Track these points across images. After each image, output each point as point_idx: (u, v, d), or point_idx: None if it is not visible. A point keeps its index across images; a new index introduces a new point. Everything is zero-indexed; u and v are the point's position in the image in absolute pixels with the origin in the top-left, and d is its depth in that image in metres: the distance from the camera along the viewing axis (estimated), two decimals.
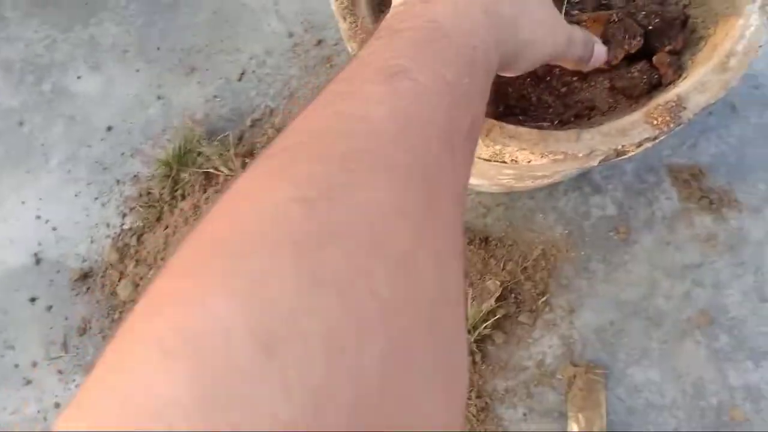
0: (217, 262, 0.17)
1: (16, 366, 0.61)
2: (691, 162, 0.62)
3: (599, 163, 0.38)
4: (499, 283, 0.58)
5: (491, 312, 0.57)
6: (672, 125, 0.36)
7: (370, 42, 0.28)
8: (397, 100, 0.23)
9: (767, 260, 0.59)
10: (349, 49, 0.40)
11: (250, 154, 0.64)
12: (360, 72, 0.25)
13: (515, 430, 0.56)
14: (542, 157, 0.37)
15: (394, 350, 0.17)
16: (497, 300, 0.57)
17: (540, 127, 0.40)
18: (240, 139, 0.66)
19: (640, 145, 0.37)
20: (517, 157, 0.37)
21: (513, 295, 0.59)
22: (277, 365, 0.14)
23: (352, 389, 0.15)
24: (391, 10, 0.31)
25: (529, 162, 0.37)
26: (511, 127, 0.37)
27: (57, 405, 0.60)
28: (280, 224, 0.17)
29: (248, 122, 0.67)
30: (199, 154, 0.63)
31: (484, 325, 0.56)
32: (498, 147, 0.37)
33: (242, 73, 0.69)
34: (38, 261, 0.64)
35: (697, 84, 0.37)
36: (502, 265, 0.59)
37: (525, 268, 0.59)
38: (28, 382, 0.60)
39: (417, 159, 0.22)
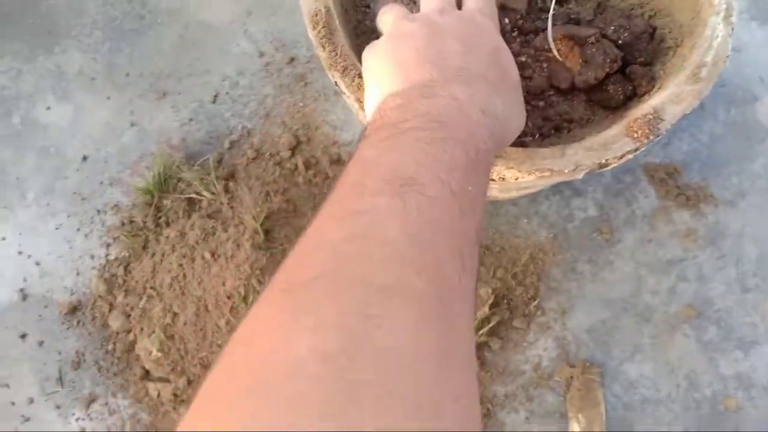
0: (239, 417, 0.17)
1: (13, 404, 0.61)
2: (666, 161, 0.64)
3: (583, 175, 0.40)
4: (491, 291, 0.60)
5: (486, 319, 0.59)
6: (651, 137, 0.38)
7: (373, 139, 0.29)
8: (408, 217, 0.24)
9: (746, 251, 0.62)
10: (330, 77, 0.41)
11: (231, 176, 0.65)
12: (369, 181, 0.26)
13: None
14: (529, 174, 0.38)
15: None
16: (490, 307, 0.59)
17: (523, 143, 0.42)
18: (219, 161, 0.66)
19: (622, 157, 0.39)
20: (504, 175, 0.39)
21: (505, 301, 0.60)
22: None
23: None
24: (389, 101, 0.32)
25: (516, 179, 0.39)
26: None
27: None
28: (302, 382, 0.18)
29: (226, 144, 0.67)
30: (180, 180, 0.63)
31: (480, 332, 0.58)
32: None
33: (216, 95, 0.70)
34: (25, 297, 0.64)
35: (672, 96, 0.39)
36: (492, 272, 0.61)
37: (515, 273, 0.61)
38: (27, 420, 0.60)
39: (432, 283, 0.23)
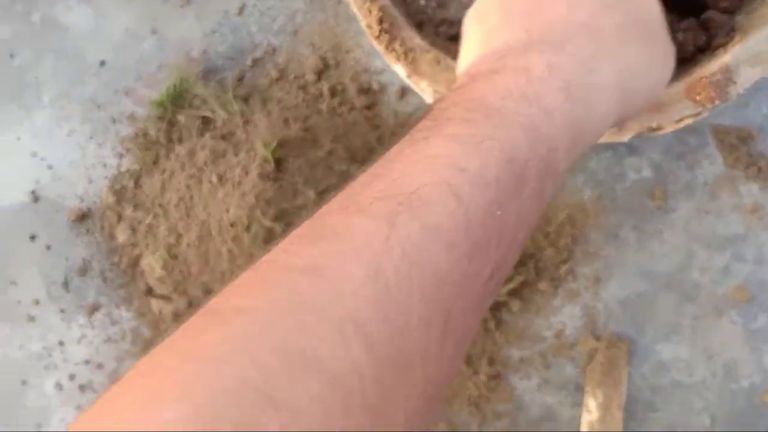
0: None
1: (19, 302, 0.63)
2: (740, 123, 0.57)
3: (629, 139, 0.35)
4: None
5: (508, 278, 0.55)
6: (717, 101, 0.33)
7: (415, 132, 0.22)
8: (386, 253, 0.18)
9: None
10: None
11: (251, 96, 0.62)
12: (367, 188, 0.20)
13: (528, 400, 0.56)
14: None
15: None
16: (515, 266, 0.56)
17: None
18: (240, 79, 0.63)
19: (679, 121, 0.34)
20: None
21: (533, 261, 0.57)
22: None
23: None
24: (463, 74, 0.25)
25: None
26: None
27: (61, 343, 0.62)
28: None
29: (249, 61, 0.64)
30: (196, 95, 0.61)
31: (500, 292, 0.55)
32: None
33: (242, 6, 0.66)
34: (36, 199, 0.64)
35: (750, 54, 0.33)
36: None
37: (548, 233, 0.57)
38: (32, 319, 0.62)
39: (378, 359, 0.17)
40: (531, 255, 0.57)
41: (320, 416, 0.16)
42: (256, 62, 0.64)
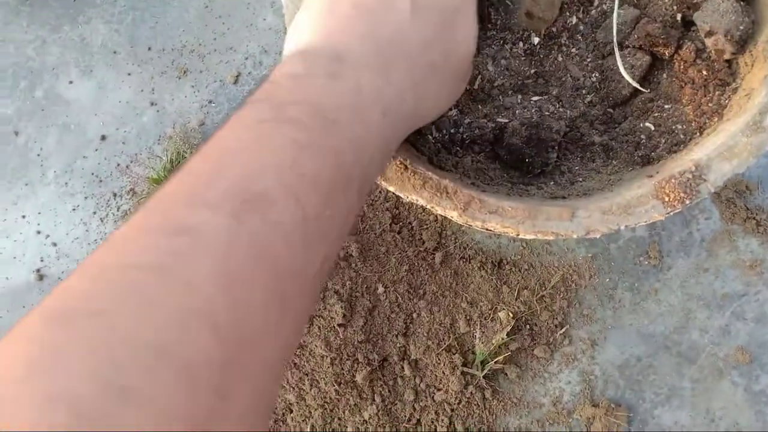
0: None
1: None
2: (737, 177, 0.55)
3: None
4: (511, 315, 0.55)
5: (503, 346, 0.54)
6: (688, 201, 0.31)
7: (249, 117, 0.24)
8: (234, 248, 0.20)
9: None
10: None
11: None
12: (212, 187, 0.21)
13: None
14: (530, 234, 0.33)
15: None
16: (509, 333, 0.54)
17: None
18: None
19: (648, 220, 0.33)
20: (503, 231, 0.34)
21: (528, 327, 0.55)
22: None
23: None
24: (294, 61, 0.27)
25: (517, 235, 0.34)
26: (491, 201, 0.33)
27: None
28: None
29: None
30: None
31: (495, 360, 0.54)
32: (479, 222, 0.33)
33: (238, 75, 0.66)
34: (41, 277, 0.65)
35: (722, 147, 0.32)
36: (516, 293, 0.55)
37: (542, 296, 0.55)
38: None
39: (225, 343, 0.19)
40: (526, 320, 0.55)
41: (173, 401, 0.17)
42: None
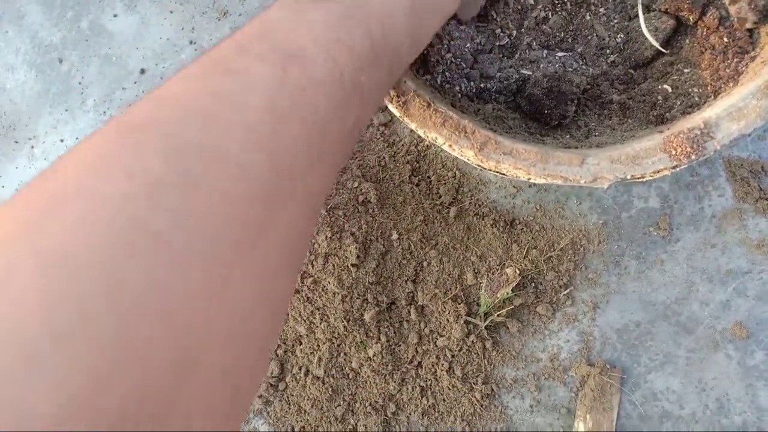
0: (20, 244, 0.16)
1: None
2: (754, 156, 0.56)
3: (608, 188, 0.35)
4: (518, 272, 0.57)
5: (507, 300, 0.56)
6: (693, 157, 0.33)
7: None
8: (280, 91, 0.22)
9: None
10: None
11: None
12: (259, 42, 0.23)
13: (519, 420, 0.56)
14: (540, 178, 0.34)
15: None
16: (515, 289, 0.56)
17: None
18: None
19: (656, 173, 0.34)
20: (515, 174, 0.35)
21: (533, 285, 0.57)
22: None
23: None
24: None
25: (528, 179, 0.35)
26: (506, 143, 0.34)
27: None
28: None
29: None
30: None
31: (498, 313, 0.56)
32: (492, 163, 0.35)
33: None
34: None
35: (732, 108, 0.33)
36: (524, 252, 0.57)
37: (550, 257, 0.57)
38: None
39: (271, 160, 0.21)
40: (532, 278, 0.57)
41: (232, 199, 0.19)
42: None
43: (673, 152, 0.33)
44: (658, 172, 0.34)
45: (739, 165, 0.57)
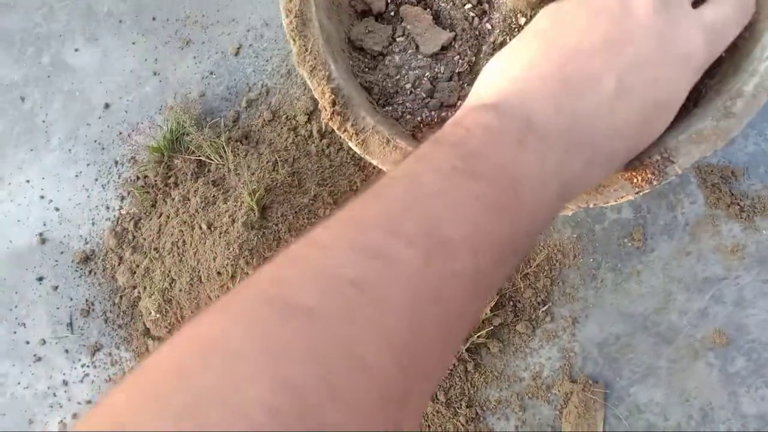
0: None
1: (27, 343, 0.65)
2: (723, 162, 0.56)
3: (572, 213, 0.35)
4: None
5: (487, 320, 0.56)
6: (655, 182, 0.32)
7: (442, 159, 0.25)
8: (421, 285, 0.22)
9: None
10: (302, 73, 0.38)
11: (245, 138, 0.63)
12: (409, 220, 0.23)
13: None
14: None
15: None
16: (493, 309, 0.56)
17: None
18: (235, 120, 0.65)
19: (620, 198, 0.34)
20: None
21: (511, 303, 0.57)
22: None
23: None
24: (489, 110, 0.27)
25: None
26: None
27: (65, 383, 0.64)
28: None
29: (244, 102, 0.65)
30: (191, 140, 0.62)
31: (478, 334, 0.55)
32: None
33: (239, 47, 0.67)
34: (43, 241, 0.67)
35: (691, 131, 0.33)
36: None
37: (526, 274, 0.57)
38: (39, 359, 0.65)
39: (404, 371, 0.20)
40: (509, 297, 0.57)
41: (367, 409, 0.19)
42: (250, 103, 0.65)
43: (635, 180, 0.32)
44: (621, 197, 0.33)
45: (709, 171, 0.57)
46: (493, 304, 0.55)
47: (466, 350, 0.56)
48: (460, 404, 0.56)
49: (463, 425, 0.55)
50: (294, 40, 0.36)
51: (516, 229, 0.25)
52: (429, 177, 0.25)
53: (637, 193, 0.33)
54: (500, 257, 0.24)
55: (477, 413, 0.56)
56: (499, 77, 0.30)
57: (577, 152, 0.28)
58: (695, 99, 0.37)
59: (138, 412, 0.17)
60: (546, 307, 0.57)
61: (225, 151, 0.61)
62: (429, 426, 0.55)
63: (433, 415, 0.55)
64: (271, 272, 0.22)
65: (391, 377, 0.20)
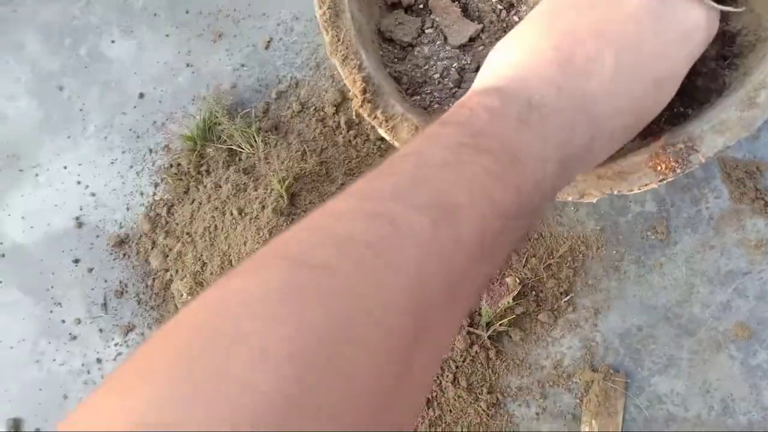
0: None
1: (63, 321, 0.68)
2: (749, 156, 0.57)
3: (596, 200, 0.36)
4: (518, 281, 0.57)
5: (509, 309, 0.57)
6: (679, 171, 0.33)
7: (449, 136, 0.26)
8: (430, 250, 0.23)
9: None
10: (334, 62, 0.39)
11: (275, 128, 0.65)
12: (415, 189, 0.24)
13: (526, 428, 0.57)
14: None
15: None
16: (516, 298, 0.57)
17: None
18: (265, 112, 0.66)
19: (643, 186, 0.34)
20: None
21: (534, 293, 0.58)
22: None
23: None
24: (492, 93, 0.29)
25: None
26: None
27: (99, 360, 0.66)
28: None
29: (274, 94, 0.67)
30: (223, 129, 0.64)
31: (500, 322, 0.56)
32: None
33: (270, 41, 0.69)
34: (80, 225, 0.69)
35: (715, 121, 0.33)
36: (524, 260, 0.58)
37: (549, 265, 0.58)
38: (74, 338, 0.67)
39: (416, 319, 0.22)
40: (532, 286, 0.58)
41: (377, 357, 0.20)
42: (280, 95, 0.67)
43: (659, 168, 0.33)
44: (646, 185, 0.34)
45: (734, 166, 0.57)
46: (516, 293, 0.56)
47: (488, 337, 0.57)
48: (482, 390, 0.57)
49: (484, 410, 0.56)
50: (327, 30, 0.37)
51: (521, 200, 0.26)
52: (437, 152, 0.26)
53: (660, 180, 0.34)
54: (505, 224, 0.26)
55: (498, 399, 0.57)
56: (502, 62, 0.31)
57: (578, 131, 0.29)
58: (720, 89, 0.37)
59: (170, 368, 0.19)
60: (568, 297, 0.57)
61: (255, 141, 0.63)
62: (450, 410, 0.56)
63: (455, 399, 0.56)
64: (289, 237, 0.23)
65: (397, 333, 0.21)
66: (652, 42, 0.30)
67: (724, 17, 0.39)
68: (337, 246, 0.22)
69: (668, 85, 0.31)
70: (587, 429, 0.55)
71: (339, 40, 0.37)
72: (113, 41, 0.72)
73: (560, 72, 0.29)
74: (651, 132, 0.37)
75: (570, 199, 0.34)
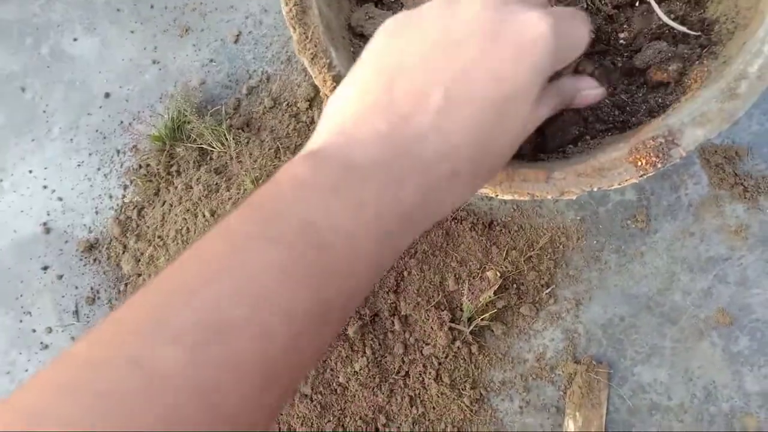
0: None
1: (34, 331, 0.65)
2: (728, 142, 0.56)
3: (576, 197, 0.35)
4: (499, 274, 0.56)
5: (490, 303, 0.56)
6: (660, 165, 0.32)
7: (233, 226, 0.24)
8: (183, 384, 0.20)
9: None
10: (303, 61, 0.37)
11: (247, 125, 0.63)
12: (177, 311, 0.21)
13: (510, 422, 0.56)
14: (506, 195, 0.34)
15: None
16: (497, 291, 0.56)
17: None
18: (236, 108, 0.64)
19: (624, 182, 0.34)
20: (483, 192, 0.35)
21: (515, 286, 0.57)
22: None
23: None
24: (300, 168, 0.25)
25: (496, 196, 0.35)
26: None
27: None
28: None
29: (244, 90, 0.65)
30: (193, 128, 0.62)
31: (482, 317, 0.55)
32: None
33: (238, 34, 0.66)
34: (48, 230, 0.67)
35: (695, 113, 0.32)
36: (504, 253, 0.57)
37: (530, 257, 0.57)
38: (45, 347, 0.65)
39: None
40: (513, 280, 0.57)
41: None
42: (251, 90, 0.65)
43: (639, 163, 0.32)
44: (626, 181, 0.33)
45: (713, 152, 0.57)
46: (497, 287, 0.55)
47: (470, 333, 0.56)
48: (465, 386, 0.56)
49: (467, 406, 0.56)
50: (294, 27, 0.36)
51: (322, 295, 0.23)
52: (218, 251, 0.22)
53: (641, 176, 0.33)
54: (302, 330, 0.22)
55: (481, 394, 0.56)
56: (334, 111, 0.28)
57: (404, 183, 0.25)
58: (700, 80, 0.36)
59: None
60: (549, 289, 0.57)
61: (227, 139, 0.61)
62: (434, 407, 0.56)
63: (438, 396, 0.55)
64: (45, 375, 0.21)
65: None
66: (489, 62, 0.26)
67: (701, 4, 0.38)
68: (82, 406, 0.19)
69: (519, 102, 0.27)
70: (571, 421, 0.54)
71: (307, 38, 0.36)
72: (76, 39, 0.70)
73: (386, 116, 0.26)
74: (629, 125, 0.37)
75: (549, 197, 0.33)
